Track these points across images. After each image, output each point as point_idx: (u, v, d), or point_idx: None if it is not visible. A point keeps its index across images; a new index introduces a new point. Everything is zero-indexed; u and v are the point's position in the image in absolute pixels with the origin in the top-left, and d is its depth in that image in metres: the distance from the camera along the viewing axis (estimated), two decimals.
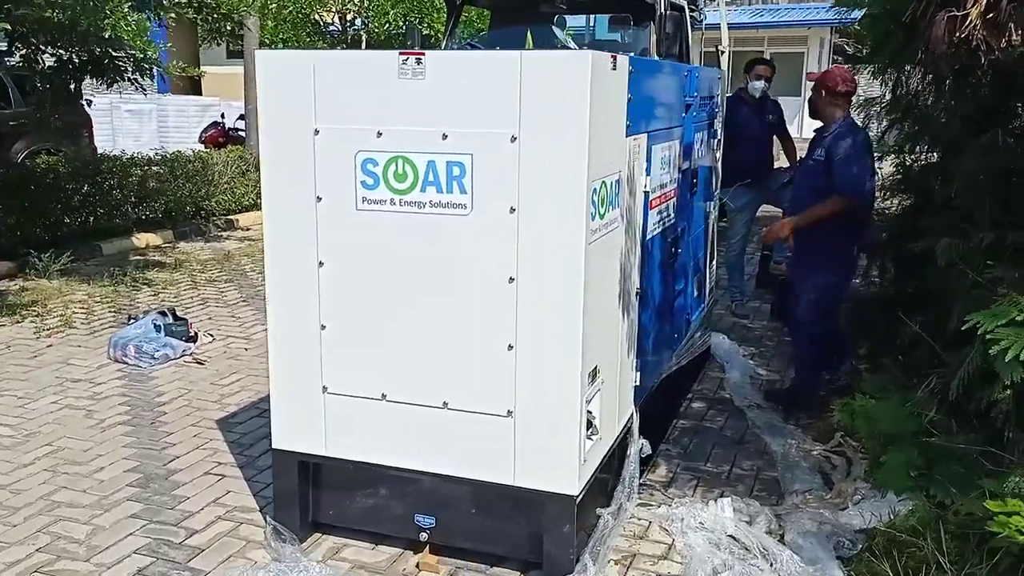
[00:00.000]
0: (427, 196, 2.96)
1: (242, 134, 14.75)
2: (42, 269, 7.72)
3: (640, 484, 3.89)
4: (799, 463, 4.11)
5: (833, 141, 4.47)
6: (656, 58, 5.07)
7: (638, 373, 3.71)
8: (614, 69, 2.96)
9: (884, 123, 6.18)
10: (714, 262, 5.66)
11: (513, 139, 2.82)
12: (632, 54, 5.66)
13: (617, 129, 3.12)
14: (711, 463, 4.21)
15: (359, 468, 3.28)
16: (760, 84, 6.58)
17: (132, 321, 6.06)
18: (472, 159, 2.88)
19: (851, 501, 3.63)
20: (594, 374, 3.09)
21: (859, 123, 5.00)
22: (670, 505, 3.66)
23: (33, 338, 6.07)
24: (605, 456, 3.36)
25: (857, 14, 6.22)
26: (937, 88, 5.08)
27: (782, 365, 5.58)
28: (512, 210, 2.87)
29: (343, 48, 12.68)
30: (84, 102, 8.81)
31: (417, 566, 3.29)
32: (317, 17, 13.44)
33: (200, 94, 22.51)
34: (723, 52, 9.88)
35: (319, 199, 3.10)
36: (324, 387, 3.24)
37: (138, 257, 8.88)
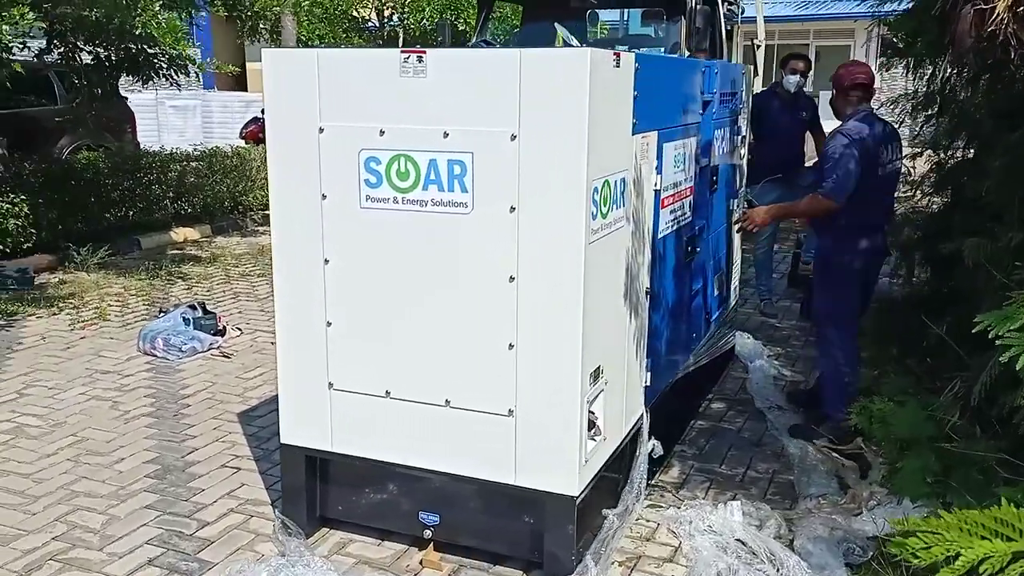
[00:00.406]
0: (429, 195, 2.96)
1: None
2: (80, 263, 7.91)
3: (652, 485, 3.86)
4: (816, 466, 4.03)
5: (830, 138, 4.35)
6: (686, 52, 5.03)
7: (649, 373, 3.67)
8: (617, 66, 2.92)
9: (919, 119, 6.05)
10: (739, 261, 5.58)
11: (513, 137, 2.81)
12: (663, 49, 5.67)
13: (622, 127, 3.08)
14: (726, 465, 4.16)
15: (365, 464, 3.30)
16: (795, 79, 6.45)
17: (162, 314, 6.18)
18: (473, 157, 2.88)
19: (866, 507, 3.55)
20: (597, 374, 3.07)
21: (886, 119, 4.84)
22: (679, 507, 3.63)
23: (68, 330, 6.22)
24: (611, 457, 3.33)
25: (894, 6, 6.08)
26: (972, 83, 4.95)
27: (807, 366, 5.48)
28: (512, 209, 2.86)
29: (380, 44, 12.76)
30: (124, 98, 8.99)
31: (421, 563, 3.30)
32: (355, 13, 13.52)
33: (246, 90, 22.85)
34: (759, 46, 9.76)
35: (324, 197, 3.12)
36: (330, 383, 3.27)
37: (175, 251, 9.05)
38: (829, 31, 23.14)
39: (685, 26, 5.20)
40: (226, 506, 3.74)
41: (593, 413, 3.09)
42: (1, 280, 7.10)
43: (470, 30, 12.08)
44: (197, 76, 8.75)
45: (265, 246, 9.43)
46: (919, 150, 5.83)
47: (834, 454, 4.12)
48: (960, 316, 4.14)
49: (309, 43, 12.99)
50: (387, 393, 3.19)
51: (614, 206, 3.06)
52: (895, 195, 4.82)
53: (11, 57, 5.80)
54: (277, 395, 3.43)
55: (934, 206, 5.93)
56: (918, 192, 5.94)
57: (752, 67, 6.37)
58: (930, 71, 5.60)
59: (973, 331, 2.91)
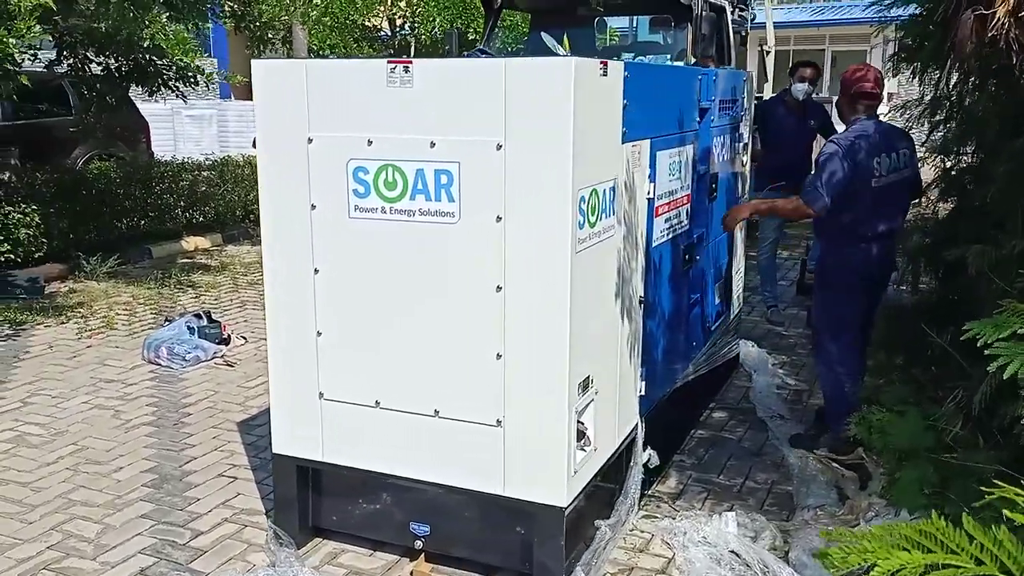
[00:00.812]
0: (416, 204, 2.96)
1: None
2: (90, 272, 7.97)
3: (648, 495, 3.83)
4: (816, 477, 3.99)
5: (823, 146, 4.29)
6: (692, 59, 5.01)
7: (643, 383, 3.65)
8: (605, 75, 2.91)
9: (925, 125, 5.99)
10: (743, 268, 5.53)
11: (499, 147, 2.80)
12: (670, 55, 5.65)
13: (611, 136, 3.07)
14: (724, 475, 4.12)
15: (355, 474, 3.30)
16: (803, 87, 6.39)
17: (167, 323, 6.21)
18: (459, 167, 2.87)
19: (864, 518, 3.50)
20: (586, 384, 3.05)
21: (897, 126, 4.78)
22: (674, 518, 3.59)
23: (75, 339, 6.26)
24: (603, 467, 3.31)
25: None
26: (978, 88, 4.89)
27: (811, 375, 5.42)
28: (499, 218, 2.85)
29: (391, 54, 12.81)
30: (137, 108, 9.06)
31: (412, 574, 3.28)
32: (366, 22, 13.59)
33: None
34: (768, 52, 9.71)
35: (314, 207, 3.12)
36: (321, 393, 3.27)
37: (185, 260, 9.11)
38: (845, 36, 23.00)
39: (691, 33, 5.19)
40: (221, 516, 3.74)
41: (582, 423, 3.07)
42: (11, 289, 7.17)
43: (480, 39, 12.10)
44: (207, 86, 8.79)
45: None
46: (927, 156, 5.77)
47: (835, 465, 4.07)
48: (963, 324, 4.08)
49: (320, 53, 13.07)
50: (377, 403, 3.18)
51: (603, 215, 3.04)
52: (907, 203, 4.72)
53: (18, 70, 5.85)
54: None
55: (942, 212, 5.86)
56: (926, 199, 5.86)
57: (760, 73, 6.34)
58: (937, 76, 5.54)
59: (963, 339, 2.87)
